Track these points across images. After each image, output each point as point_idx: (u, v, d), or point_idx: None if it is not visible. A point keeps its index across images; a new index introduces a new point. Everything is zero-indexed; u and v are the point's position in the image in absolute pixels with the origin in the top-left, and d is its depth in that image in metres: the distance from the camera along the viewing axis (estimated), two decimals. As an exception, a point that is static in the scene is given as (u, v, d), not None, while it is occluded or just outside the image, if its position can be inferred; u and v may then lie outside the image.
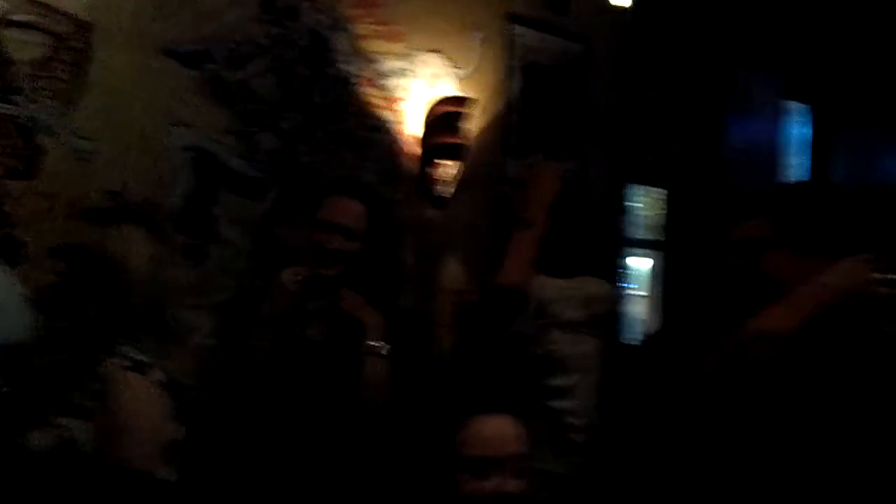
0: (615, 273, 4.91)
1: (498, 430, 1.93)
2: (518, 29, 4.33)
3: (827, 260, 2.11)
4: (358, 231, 2.74)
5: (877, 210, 2.53)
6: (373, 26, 3.82)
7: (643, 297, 5.62)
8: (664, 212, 5.45)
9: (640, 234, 5.56)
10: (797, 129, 6.41)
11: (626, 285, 5.81)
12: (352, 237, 2.74)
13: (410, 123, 3.95)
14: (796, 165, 6.38)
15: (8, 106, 2.76)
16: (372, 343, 2.61)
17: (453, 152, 3.92)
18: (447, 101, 3.98)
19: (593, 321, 3.29)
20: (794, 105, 6.22)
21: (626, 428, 3.15)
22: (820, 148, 6.48)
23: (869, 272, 2.07)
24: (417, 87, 3.97)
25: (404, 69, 3.94)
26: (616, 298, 4.02)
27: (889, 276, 2.07)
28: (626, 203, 5.22)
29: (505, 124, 4.31)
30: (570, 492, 3.06)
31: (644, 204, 5.66)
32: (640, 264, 5.84)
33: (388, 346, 2.61)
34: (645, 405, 3.11)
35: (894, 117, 6.87)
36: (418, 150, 3.94)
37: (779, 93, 5.79)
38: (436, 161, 3.92)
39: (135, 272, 3.01)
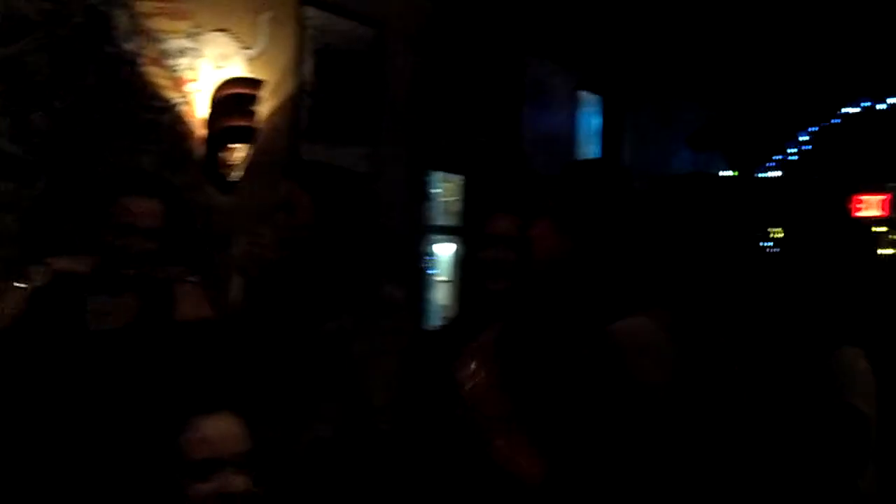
0: (417, 259, 4.94)
1: (218, 430, 1.88)
2: (310, 10, 4.27)
3: (579, 238, 2.15)
4: (156, 229, 2.64)
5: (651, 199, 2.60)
6: (156, 3, 3.66)
7: (446, 282, 5.67)
8: (462, 198, 5.51)
9: (442, 220, 5.60)
10: (590, 118, 6.62)
11: (429, 271, 5.86)
12: (151, 236, 2.63)
13: (198, 105, 3.82)
14: (589, 153, 6.59)
15: None
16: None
17: (243, 135, 3.81)
18: (236, 82, 3.87)
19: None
20: (586, 95, 6.42)
21: (423, 415, 3.14)
22: (611, 137, 6.72)
23: None
24: (205, 68, 3.84)
25: (190, 48, 3.81)
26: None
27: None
28: (428, 189, 5.25)
29: (297, 107, 4.23)
30: (368, 479, 3.02)
31: (444, 190, 5.71)
32: (443, 250, 5.89)
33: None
34: (439, 391, 3.10)
35: (682, 108, 7.21)
36: (206, 133, 3.82)
37: (572, 83, 5.95)
38: (224, 144, 3.80)
39: None
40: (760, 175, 7.86)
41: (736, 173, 7.59)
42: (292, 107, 4.21)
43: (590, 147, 6.61)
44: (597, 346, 1.91)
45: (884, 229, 8.11)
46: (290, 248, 2.72)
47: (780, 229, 6.71)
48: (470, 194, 5.46)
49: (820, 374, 3.29)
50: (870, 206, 7.74)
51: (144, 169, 3.46)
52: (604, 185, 2.26)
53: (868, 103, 7.97)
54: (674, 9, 6.32)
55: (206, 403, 1.93)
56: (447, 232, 5.60)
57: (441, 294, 5.70)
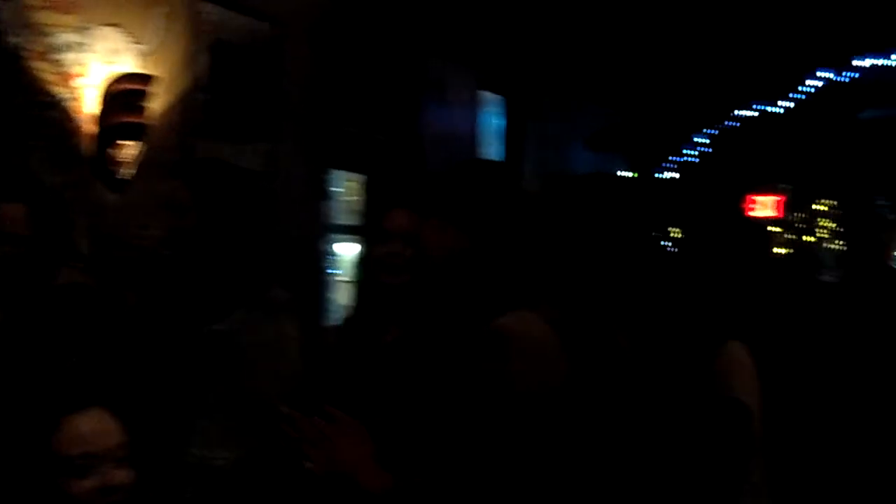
0: (318, 259, 4.90)
1: (90, 426, 1.86)
2: (205, 6, 4.19)
3: (458, 232, 2.16)
4: (21, 234, 2.56)
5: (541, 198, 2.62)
6: (43, -3, 3.56)
7: (348, 282, 5.63)
8: (364, 197, 5.48)
9: (344, 219, 5.57)
10: (492, 118, 6.66)
11: (330, 271, 5.81)
12: (16, 242, 2.56)
13: (87, 101, 3.72)
14: (492, 154, 6.62)
15: None
16: None
17: (134, 132, 3.73)
18: (128, 77, 3.78)
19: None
20: (489, 96, 6.45)
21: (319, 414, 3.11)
22: (513, 137, 6.78)
23: None
24: (94, 63, 3.73)
25: (80, 43, 3.70)
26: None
27: None
28: (328, 188, 5.21)
29: (191, 104, 4.16)
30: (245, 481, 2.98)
31: (346, 189, 5.68)
32: (345, 250, 5.86)
33: None
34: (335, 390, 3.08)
35: (583, 110, 7.31)
36: (95, 130, 3.72)
37: (474, 83, 5.98)
38: (115, 141, 3.71)
39: None
40: (658, 176, 8.02)
41: (634, 174, 7.73)
42: (187, 103, 4.13)
43: (492, 147, 6.65)
44: (477, 341, 1.91)
45: (777, 229, 8.37)
46: (175, 248, 2.68)
47: (678, 229, 6.86)
48: (371, 193, 5.43)
49: (706, 369, 3.37)
50: (764, 206, 7.97)
51: (16, 170, 3.35)
52: (492, 182, 2.27)
53: (762, 107, 8.19)
54: (574, 10, 6.39)
55: (77, 401, 1.91)
56: (349, 231, 5.57)
57: (343, 294, 5.66)
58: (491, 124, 6.62)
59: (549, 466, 1.86)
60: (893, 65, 7.81)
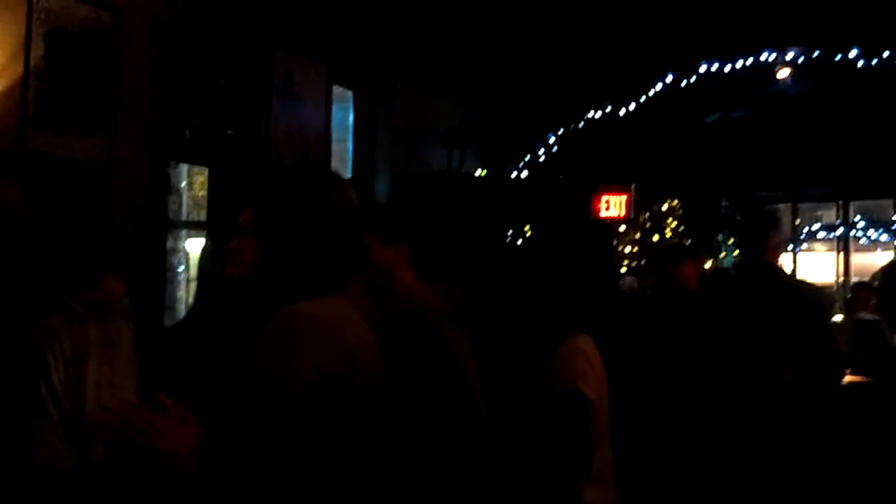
0: (159, 255, 4.76)
1: None
2: (41, -8, 4.02)
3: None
4: None
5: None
6: None
7: (194, 278, 5.49)
8: (209, 192, 5.35)
9: (189, 214, 5.44)
10: (344, 113, 6.60)
11: (175, 267, 5.65)
12: None
13: None
14: (343, 149, 6.58)
15: None
16: None
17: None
18: (-50, 63, 3.58)
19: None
20: (341, 90, 6.39)
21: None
22: (363, 132, 6.74)
23: None
24: None
25: None
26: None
27: None
28: (171, 182, 5.07)
29: (25, 94, 3.98)
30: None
31: (192, 184, 5.54)
32: (191, 246, 5.71)
33: None
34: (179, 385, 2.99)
35: (437, 106, 7.33)
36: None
37: (324, 77, 5.91)
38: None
39: None
40: (511, 174, 8.12)
41: (486, 172, 7.80)
42: (19, 93, 3.95)
43: (344, 142, 6.60)
44: (272, 326, 1.90)
45: (624, 228, 8.59)
46: (2, 248, 2.57)
47: (529, 226, 6.93)
48: (216, 188, 5.30)
49: (550, 360, 3.41)
50: (612, 206, 8.16)
51: None
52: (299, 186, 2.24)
53: (612, 107, 8.38)
54: (427, 6, 6.39)
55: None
56: (195, 227, 5.44)
57: (187, 290, 5.52)
58: (343, 119, 6.56)
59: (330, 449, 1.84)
60: (737, 69, 8.11)
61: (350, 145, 6.70)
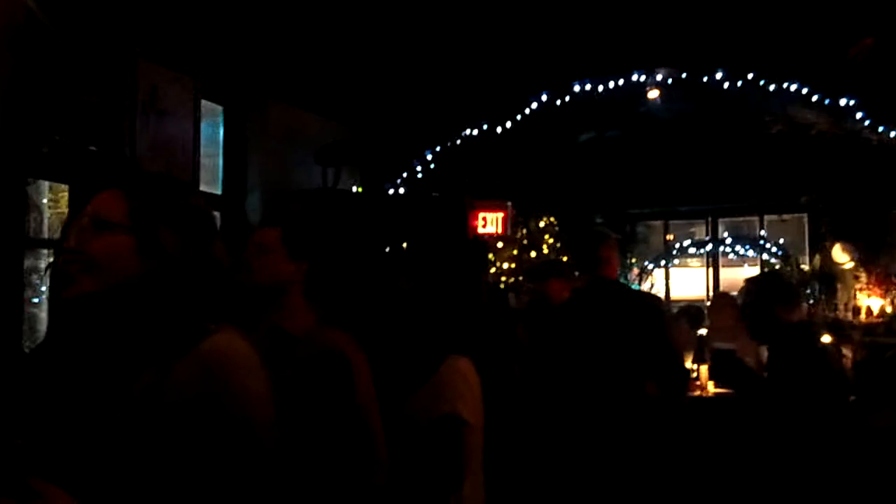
0: (14, 276, 4.50)
1: None
2: None
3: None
4: None
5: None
6: None
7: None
8: (70, 209, 5.10)
9: (50, 233, 5.17)
10: (214, 128, 6.42)
11: (38, 287, 5.37)
12: None
13: None
14: (212, 164, 6.39)
15: None
16: None
17: None
18: None
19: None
20: (209, 105, 6.20)
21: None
22: (233, 148, 6.58)
23: None
24: None
25: None
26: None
27: None
28: (29, 200, 4.82)
29: None
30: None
31: (52, 201, 5.28)
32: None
33: None
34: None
35: (312, 123, 7.21)
36: None
37: (192, 92, 5.71)
38: None
39: None
40: (388, 192, 8.05)
41: (361, 189, 7.71)
42: None
43: (214, 158, 6.42)
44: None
45: (501, 245, 8.61)
46: None
47: (405, 244, 6.84)
48: (77, 205, 5.04)
49: (426, 381, 3.35)
50: (489, 223, 8.16)
51: None
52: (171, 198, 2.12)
53: (486, 126, 8.41)
54: (299, 20, 6.29)
55: None
56: (55, 245, 5.17)
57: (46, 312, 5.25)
58: (213, 135, 6.37)
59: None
60: (610, 89, 8.25)
61: (220, 161, 6.51)
